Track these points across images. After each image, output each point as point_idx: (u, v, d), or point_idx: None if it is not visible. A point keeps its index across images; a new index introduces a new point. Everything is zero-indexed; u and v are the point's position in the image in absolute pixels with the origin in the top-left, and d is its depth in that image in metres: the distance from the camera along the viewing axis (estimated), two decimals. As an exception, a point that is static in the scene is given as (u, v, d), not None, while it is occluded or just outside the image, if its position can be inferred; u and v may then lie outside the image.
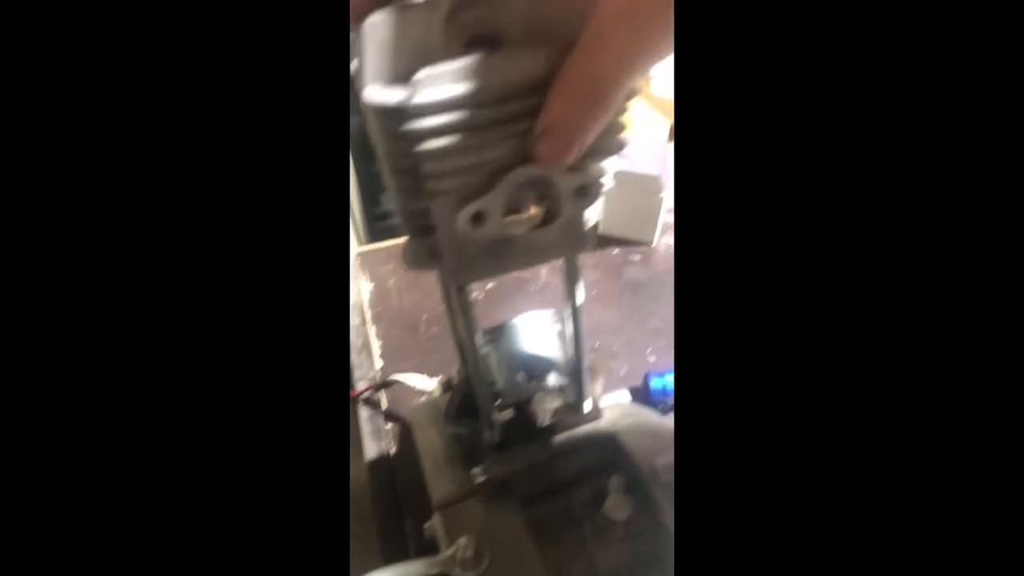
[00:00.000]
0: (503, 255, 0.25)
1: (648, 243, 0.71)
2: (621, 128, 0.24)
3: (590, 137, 0.21)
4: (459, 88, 0.20)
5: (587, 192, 0.24)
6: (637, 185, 0.65)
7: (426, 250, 0.24)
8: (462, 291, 0.27)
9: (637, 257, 0.70)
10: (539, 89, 0.20)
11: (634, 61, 0.19)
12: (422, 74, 0.19)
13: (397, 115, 0.20)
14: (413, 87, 0.20)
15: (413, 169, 0.22)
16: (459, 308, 0.27)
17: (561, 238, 0.26)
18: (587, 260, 0.70)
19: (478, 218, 0.22)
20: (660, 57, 0.19)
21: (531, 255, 0.26)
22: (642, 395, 0.54)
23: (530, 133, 0.21)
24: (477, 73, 0.20)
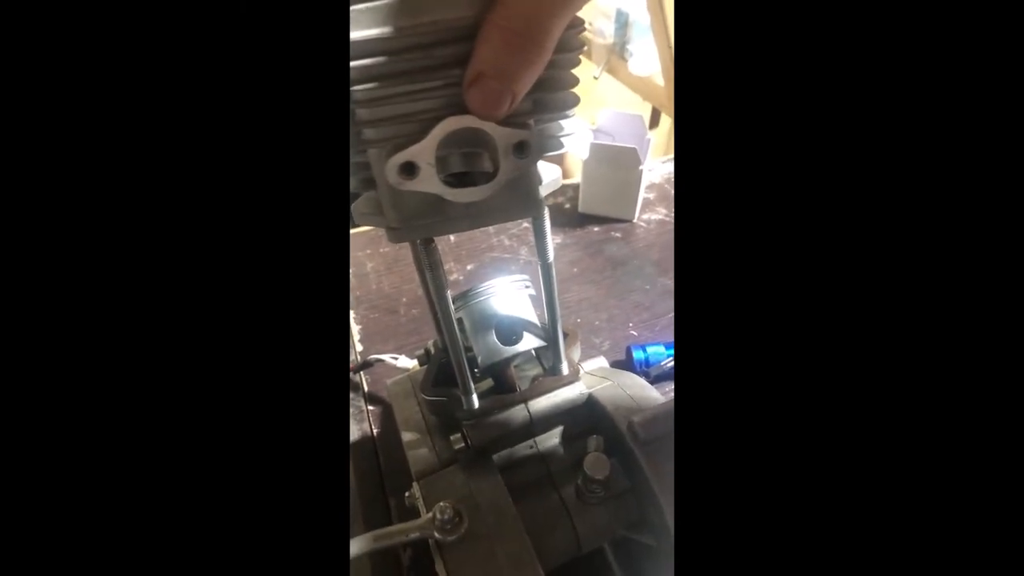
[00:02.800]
0: (445, 214, 0.24)
1: (628, 220, 0.71)
2: (568, 83, 0.23)
3: (524, 85, 0.20)
4: (384, 29, 0.19)
5: (526, 149, 0.22)
6: (616, 159, 0.65)
7: (371, 204, 0.24)
8: (429, 247, 0.26)
9: (618, 234, 0.70)
10: (471, 35, 0.20)
11: (561, 1, 0.18)
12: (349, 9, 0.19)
13: None
14: None
15: (351, 115, 0.21)
16: (427, 265, 0.27)
17: (507, 200, 0.24)
18: (568, 238, 0.69)
19: (408, 170, 0.22)
20: None
21: (475, 216, 0.24)
22: (624, 368, 0.53)
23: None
24: (404, 14, 0.19)
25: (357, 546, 0.28)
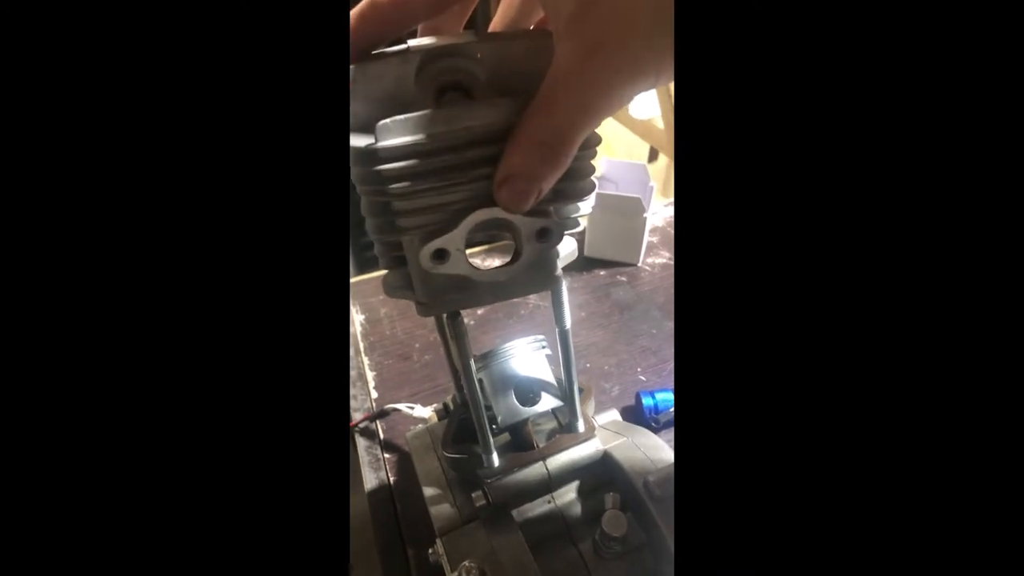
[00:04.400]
0: (471, 290, 0.26)
1: (633, 264, 0.73)
2: (587, 173, 0.25)
3: (547, 185, 0.22)
4: (420, 136, 0.21)
5: (548, 235, 0.25)
6: (621, 208, 0.67)
7: (401, 279, 0.26)
8: (456, 319, 0.28)
9: (623, 278, 0.72)
10: (499, 138, 0.22)
11: (586, 118, 0.20)
12: (387, 121, 0.21)
13: (367, 158, 0.22)
14: (378, 133, 0.21)
15: (385, 207, 0.23)
16: (453, 336, 0.29)
17: (528, 277, 0.27)
18: (575, 282, 0.71)
19: (440, 255, 0.24)
20: (613, 111, 0.21)
21: (498, 291, 0.27)
22: (634, 413, 0.55)
23: (491, 177, 0.22)
24: (438, 122, 0.22)
25: (386, 606, 0.29)
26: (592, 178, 0.26)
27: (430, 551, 0.34)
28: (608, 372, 0.60)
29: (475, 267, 0.25)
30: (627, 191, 0.68)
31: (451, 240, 0.24)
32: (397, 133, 0.22)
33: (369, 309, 0.69)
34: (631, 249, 0.71)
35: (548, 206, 0.25)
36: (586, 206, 0.28)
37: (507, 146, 0.22)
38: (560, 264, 0.28)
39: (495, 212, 0.23)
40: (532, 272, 0.27)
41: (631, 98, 0.20)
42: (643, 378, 0.59)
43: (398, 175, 0.22)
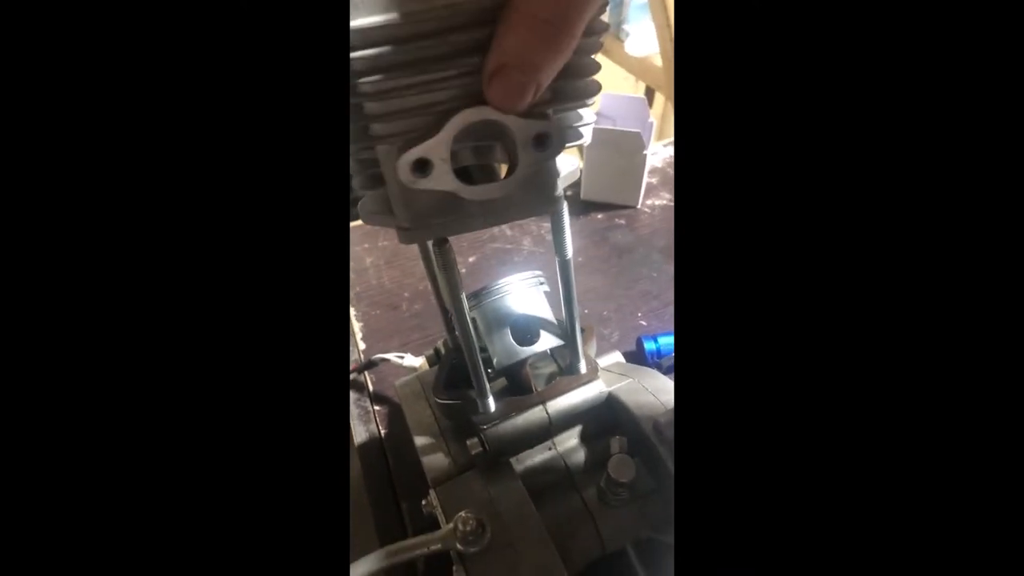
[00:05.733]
0: (459, 212, 0.23)
1: (632, 206, 0.69)
2: (590, 69, 0.22)
3: (549, 76, 0.19)
4: (393, 15, 0.18)
5: (547, 142, 0.21)
6: (619, 144, 0.63)
7: (379, 202, 0.22)
8: (443, 247, 0.25)
9: (622, 221, 0.68)
10: (489, 19, 0.18)
11: None
12: None
13: None
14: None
15: (357, 110, 0.20)
16: (441, 266, 0.25)
17: (524, 196, 0.23)
18: (571, 226, 0.68)
19: (422, 167, 0.20)
20: None
21: (491, 213, 0.23)
22: (635, 359, 0.52)
23: (480, 70, 0.19)
24: None
25: (370, 564, 0.27)
26: (595, 79, 0.23)
27: (423, 502, 0.31)
28: (607, 318, 0.57)
29: (463, 183, 0.21)
30: (625, 127, 0.63)
31: (434, 148, 0.20)
32: (367, 11, 0.18)
33: (355, 259, 0.65)
34: (630, 190, 0.67)
35: (546, 108, 0.21)
36: (589, 114, 0.24)
37: (499, 27, 0.18)
38: (561, 184, 0.25)
39: (485, 112, 0.20)
40: (529, 190, 0.23)
41: None
42: (644, 323, 0.57)
43: (370, 66, 0.18)
